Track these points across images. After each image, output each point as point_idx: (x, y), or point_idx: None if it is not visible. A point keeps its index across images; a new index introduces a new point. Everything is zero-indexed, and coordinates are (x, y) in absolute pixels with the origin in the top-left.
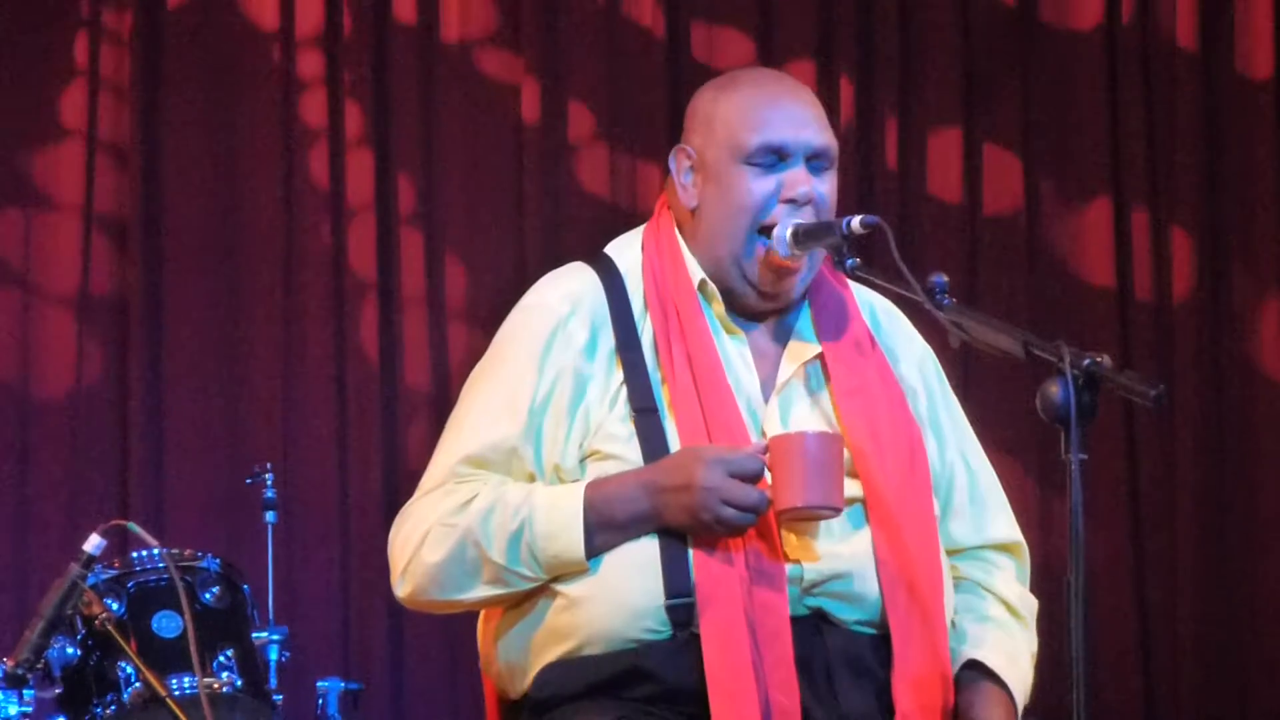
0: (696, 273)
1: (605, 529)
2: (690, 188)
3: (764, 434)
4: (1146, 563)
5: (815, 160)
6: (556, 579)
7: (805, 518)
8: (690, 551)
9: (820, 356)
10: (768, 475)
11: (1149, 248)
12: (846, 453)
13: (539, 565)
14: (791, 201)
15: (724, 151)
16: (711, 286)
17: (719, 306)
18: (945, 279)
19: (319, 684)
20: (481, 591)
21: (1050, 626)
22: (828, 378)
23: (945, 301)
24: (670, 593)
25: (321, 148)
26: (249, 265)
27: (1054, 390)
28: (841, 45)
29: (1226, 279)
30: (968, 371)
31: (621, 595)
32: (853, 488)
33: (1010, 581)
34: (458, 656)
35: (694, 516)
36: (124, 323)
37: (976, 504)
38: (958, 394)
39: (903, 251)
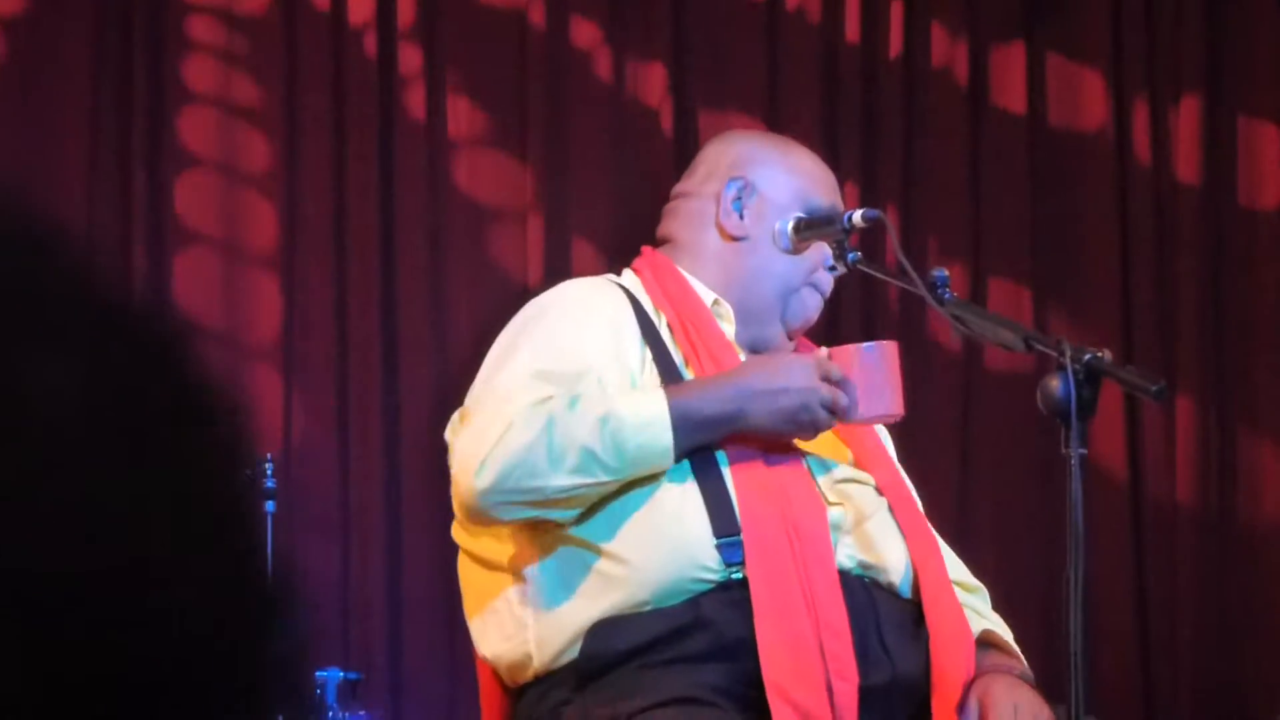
0: (707, 294)
1: (689, 427)
2: (742, 218)
3: None
4: (1146, 556)
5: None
6: (597, 532)
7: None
8: (731, 493)
9: None
10: None
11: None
12: (850, 455)
13: (624, 457)
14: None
15: (792, 199)
16: (725, 307)
17: (730, 327)
18: (946, 273)
19: (317, 674)
20: (564, 479)
21: (1051, 620)
22: None
23: (946, 296)
24: (719, 532)
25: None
26: (250, 252)
27: (1054, 384)
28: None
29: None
30: (969, 358)
31: (672, 538)
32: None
33: (979, 604)
34: (458, 647)
35: (790, 419)
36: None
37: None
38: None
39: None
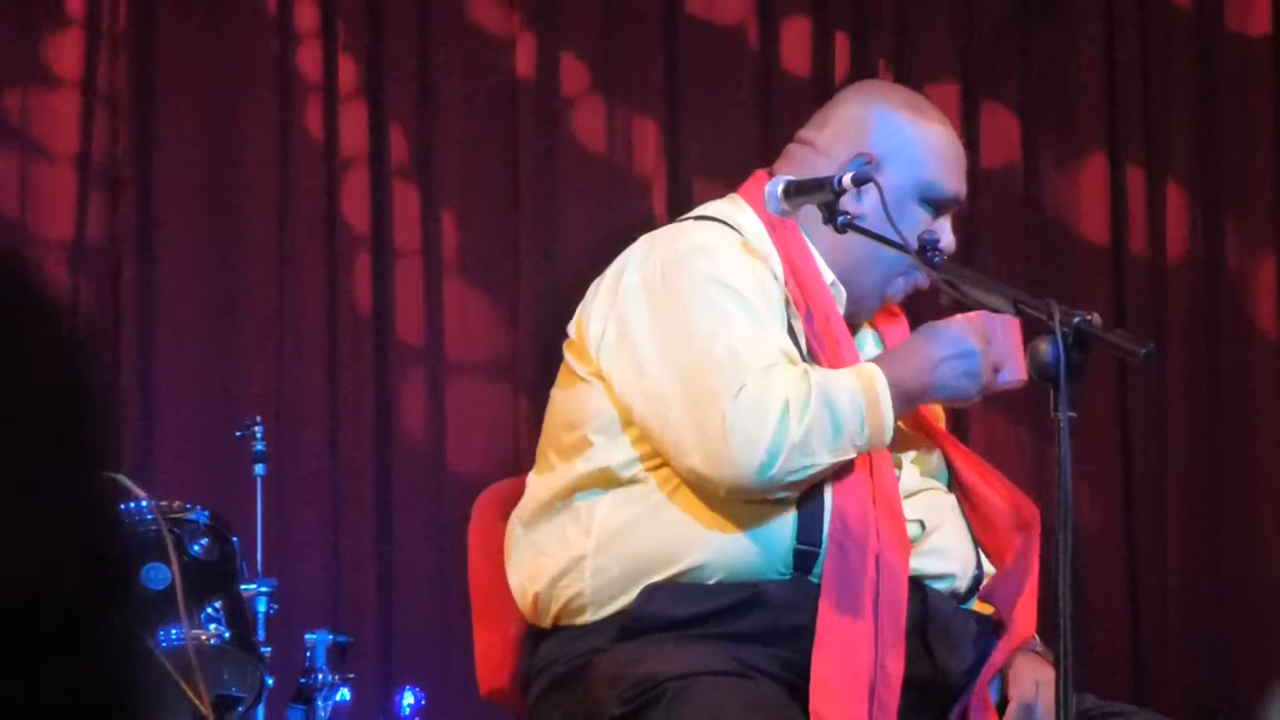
0: (827, 272)
1: (900, 402)
2: (860, 198)
3: None
4: (1137, 523)
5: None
6: (688, 500)
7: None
8: (825, 504)
9: None
10: None
11: (1144, 204)
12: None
13: (864, 435)
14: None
15: (910, 179)
16: (840, 289)
17: (841, 308)
18: (935, 236)
19: (307, 636)
20: (828, 458)
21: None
22: None
23: (936, 259)
24: (802, 538)
25: (316, 99)
26: (242, 218)
27: (1044, 348)
28: (838, 2)
29: (1220, 236)
30: None
31: (754, 529)
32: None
33: None
34: (448, 609)
35: (974, 378)
36: (116, 275)
37: None
38: None
39: None
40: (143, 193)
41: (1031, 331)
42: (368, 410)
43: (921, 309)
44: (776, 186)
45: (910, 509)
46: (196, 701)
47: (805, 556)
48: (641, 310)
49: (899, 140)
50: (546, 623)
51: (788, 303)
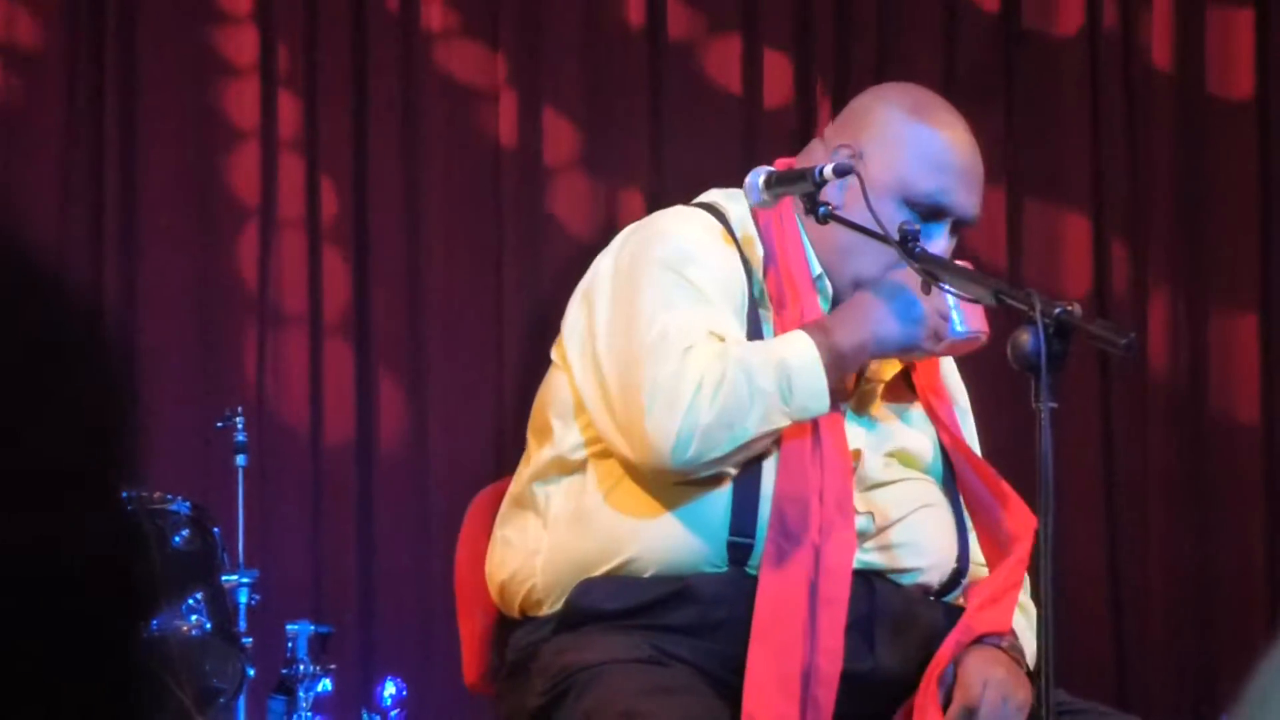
0: (816, 266)
1: (835, 364)
2: (840, 185)
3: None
4: (1118, 523)
5: (961, 225)
6: (626, 497)
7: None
8: (762, 495)
9: (906, 371)
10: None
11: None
12: (935, 430)
13: (793, 402)
14: None
15: (892, 177)
16: (826, 284)
17: (827, 304)
18: (916, 228)
19: (289, 627)
20: (753, 429)
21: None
22: (911, 385)
23: (918, 250)
24: (735, 530)
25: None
26: (223, 207)
27: (1025, 338)
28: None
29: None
30: None
31: (686, 523)
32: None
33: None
34: (429, 600)
35: (920, 324)
36: (98, 262)
37: None
38: None
39: None
40: (124, 180)
41: (1013, 323)
42: (349, 400)
43: None
44: (758, 177)
45: (866, 501)
46: (179, 694)
47: (740, 549)
48: (605, 297)
49: (888, 136)
50: (514, 612)
51: (763, 293)
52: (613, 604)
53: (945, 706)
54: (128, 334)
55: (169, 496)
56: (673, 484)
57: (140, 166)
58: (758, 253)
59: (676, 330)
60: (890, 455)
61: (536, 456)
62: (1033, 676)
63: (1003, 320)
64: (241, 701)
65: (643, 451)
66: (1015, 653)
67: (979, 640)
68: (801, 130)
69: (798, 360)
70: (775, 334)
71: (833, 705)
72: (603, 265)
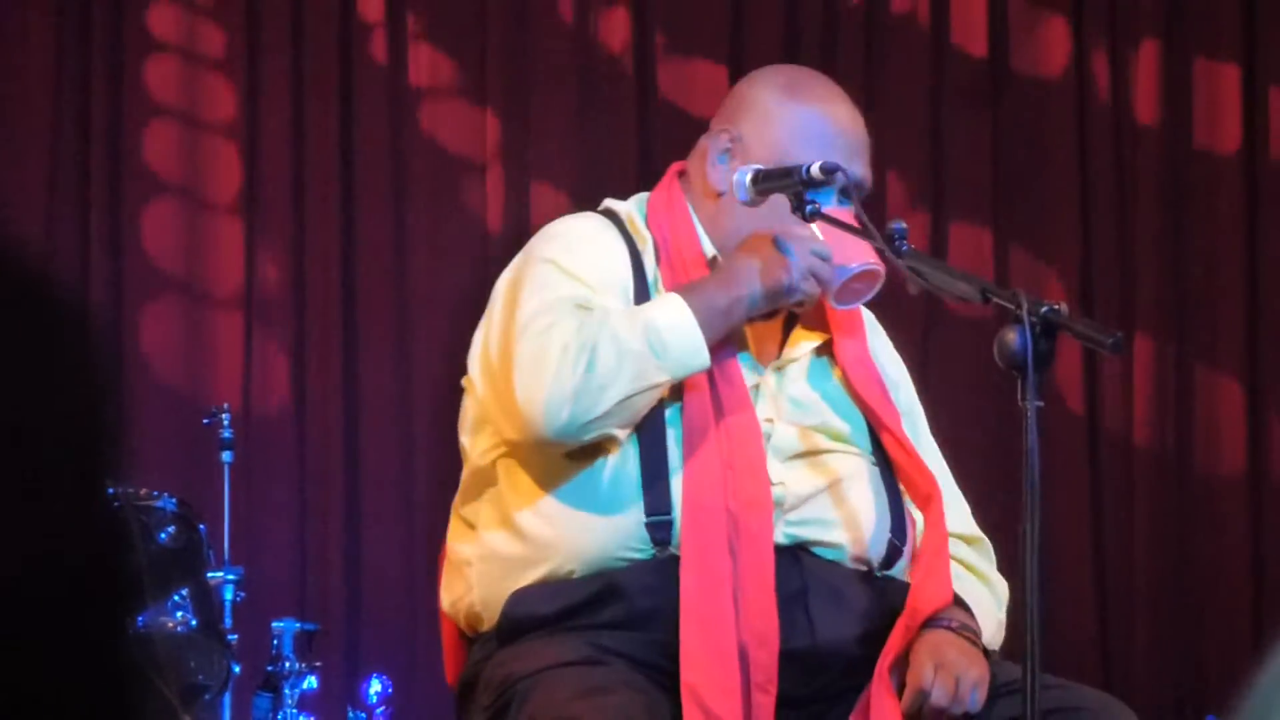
0: (709, 248)
1: (713, 320)
2: (724, 172)
3: (766, 396)
4: (1104, 519)
5: (855, 190)
6: (537, 501)
7: (856, 293)
8: (671, 470)
9: (829, 343)
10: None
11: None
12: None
13: (669, 357)
14: None
15: (773, 155)
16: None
17: None
18: (904, 225)
19: (274, 624)
20: (624, 387)
21: (1008, 577)
22: (833, 360)
23: (904, 248)
24: (650, 510)
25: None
26: (210, 202)
27: (1011, 337)
28: None
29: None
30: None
31: (601, 512)
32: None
33: (975, 558)
34: (415, 597)
35: (788, 266)
36: (84, 259)
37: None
38: (919, 346)
39: None
40: (110, 183)
41: (1000, 321)
42: (335, 396)
43: (900, 302)
44: (745, 175)
45: (781, 473)
46: (165, 690)
47: (660, 528)
48: (497, 306)
49: (761, 112)
50: (468, 630)
51: (657, 280)
52: (545, 608)
53: (900, 693)
54: (114, 331)
55: (155, 493)
56: (580, 471)
57: (126, 166)
58: (649, 243)
59: (545, 307)
60: (814, 429)
61: (463, 480)
62: (988, 653)
63: (991, 320)
64: (227, 698)
65: (518, 424)
66: (967, 632)
67: (929, 623)
68: None
69: (666, 319)
70: None
71: (775, 665)
72: (499, 282)
